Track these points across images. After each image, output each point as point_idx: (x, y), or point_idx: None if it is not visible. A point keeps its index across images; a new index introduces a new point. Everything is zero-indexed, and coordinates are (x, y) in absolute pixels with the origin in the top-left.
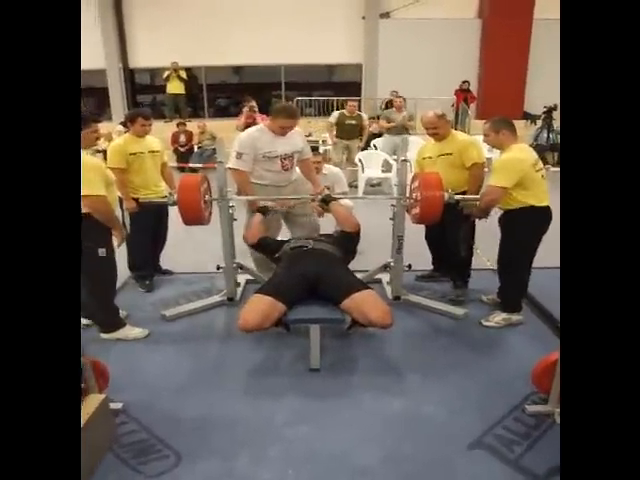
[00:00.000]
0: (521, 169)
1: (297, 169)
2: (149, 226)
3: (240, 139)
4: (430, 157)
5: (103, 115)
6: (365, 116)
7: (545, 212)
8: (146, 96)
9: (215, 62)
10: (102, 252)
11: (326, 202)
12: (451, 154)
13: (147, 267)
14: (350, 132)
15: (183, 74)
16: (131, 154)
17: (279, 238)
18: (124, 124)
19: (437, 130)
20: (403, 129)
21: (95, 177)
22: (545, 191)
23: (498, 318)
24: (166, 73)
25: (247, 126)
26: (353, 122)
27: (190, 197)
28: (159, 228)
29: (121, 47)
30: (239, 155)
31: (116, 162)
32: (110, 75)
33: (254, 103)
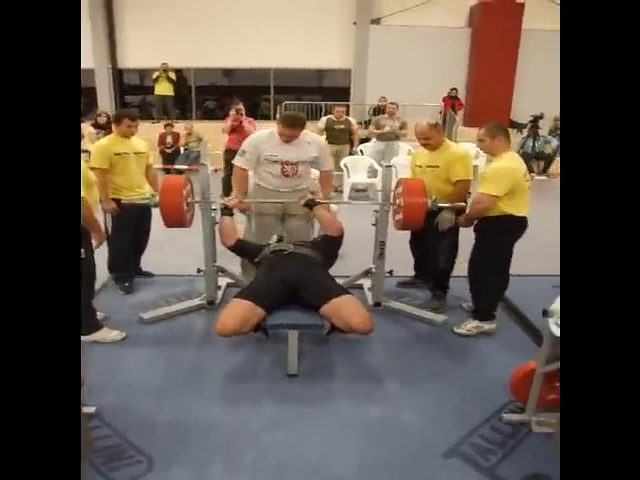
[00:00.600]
0: (514, 178)
1: (314, 180)
2: (130, 227)
3: (248, 138)
4: (420, 166)
5: (88, 115)
6: (354, 121)
7: (522, 222)
8: (135, 97)
9: (204, 64)
10: (81, 253)
11: (310, 206)
12: (438, 167)
13: (127, 268)
14: (339, 137)
15: (172, 75)
16: (116, 154)
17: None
18: (96, 126)
19: (429, 140)
20: (393, 136)
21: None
22: (525, 201)
23: (470, 326)
24: (155, 74)
25: (233, 129)
26: (342, 127)
27: (172, 199)
28: (140, 230)
29: (110, 47)
30: (243, 153)
31: (99, 162)
32: (99, 75)
33: (241, 106)
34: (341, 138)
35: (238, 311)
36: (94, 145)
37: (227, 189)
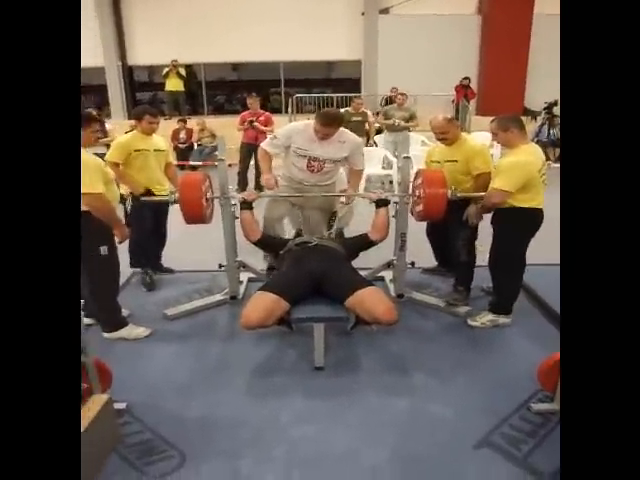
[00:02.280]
0: (528, 173)
1: (343, 179)
2: (148, 223)
3: (285, 126)
4: (438, 162)
5: (102, 113)
6: (370, 113)
7: (538, 215)
8: (145, 93)
9: (214, 59)
10: (104, 250)
11: (383, 205)
12: (457, 162)
13: (147, 264)
14: (355, 129)
15: (182, 71)
16: (135, 150)
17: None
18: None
19: (446, 135)
20: (402, 127)
21: (93, 175)
22: (541, 195)
23: (485, 319)
24: (165, 70)
25: (243, 122)
26: (359, 119)
27: (192, 195)
28: (158, 227)
29: (119, 44)
30: (273, 137)
31: (113, 156)
32: (109, 73)
33: (254, 100)
34: (358, 130)
35: (262, 304)
36: (115, 140)
37: (243, 184)
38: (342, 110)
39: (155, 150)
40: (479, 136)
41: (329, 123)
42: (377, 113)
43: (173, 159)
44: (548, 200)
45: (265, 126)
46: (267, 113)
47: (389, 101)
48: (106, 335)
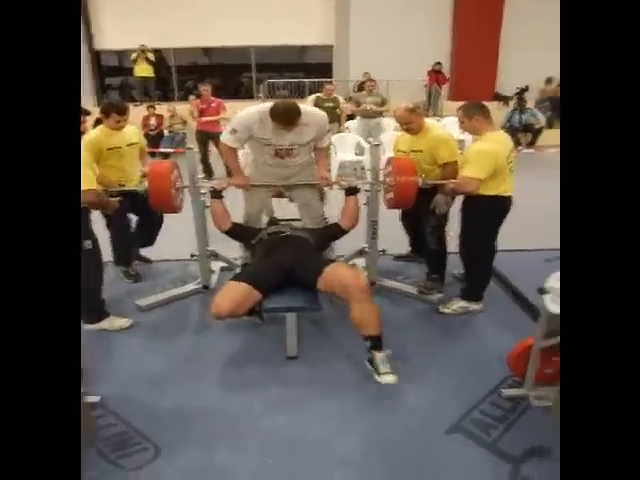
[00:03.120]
0: (495, 160)
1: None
2: (127, 220)
3: (239, 116)
4: (404, 151)
5: None
6: (341, 98)
7: (505, 201)
8: (114, 79)
9: (184, 44)
10: (88, 244)
11: (353, 193)
12: (422, 151)
13: (129, 260)
14: (328, 115)
15: (151, 56)
16: (108, 149)
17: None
18: None
19: (410, 125)
20: (375, 113)
21: (85, 171)
22: (509, 182)
23: (456, 306)
24: (133, 55)
25: (203, 112)
26: (330, 105)
27: (160, 185)
28: (148, 216)
29: (86, 28)
30: (233, 132)
31: (85, 157)
32: None
33: (208, 87)
34: (330, 116)
35: (233, 294)
36: (84, 138)
37: (206, 170)
38: (313, 96)
39: (128, 145)
40: (451, 122)
41: (288, 121)
42: (349, 98)
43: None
44: (518, 186)
45: (217, 114)
46: (218, 100)
47: (362, 87)
48: (87, 327)
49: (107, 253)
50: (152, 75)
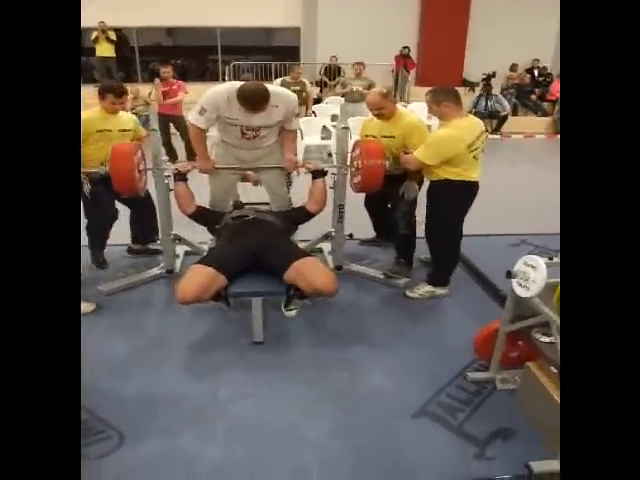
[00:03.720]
0: (452, 149)
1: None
2: (106, 207)
3: (207, 95)
4: (374, 136)
5: None
6: (308, 82)
7: (470, 186)
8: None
9: (146, 23)
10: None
11: (320, 176)
12: (394, 137)
13: (102, 247)
14: None
15: (112, 35)
16: (98, 131)
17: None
18: None
19: (382, 110)
20: (360, 96)
21: None
22: (474, 168)
23: (422, 290)
24: (94, 34)
25: (164, 94)
26: (297, 88)
27: (122, 167)
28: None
29: None
30: (202, 111)
31: None
32: None
33: (169, 69)
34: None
35: (198, 278)
36: None
37: (170, 153)
38: (279, 80)
39: (120, 130)
40: (417, 107)
41: (255, 107)
42: (318, 82)
43: None
44: (483, 172)
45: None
46: (179, 82)
47: (329, 70)
48: None
49: None
50: (113, 55)
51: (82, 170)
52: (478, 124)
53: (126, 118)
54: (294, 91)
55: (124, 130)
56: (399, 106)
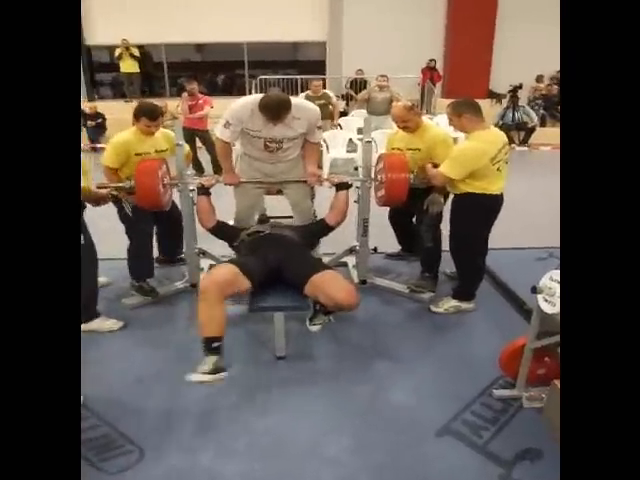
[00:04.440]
0: (476, 162)
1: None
2: (148, 229)
3: (231, 108)
4: (399, 149)
5: None
6: (333, 95)
7: (495, 200)
8: (106, 74)
9: (176, 39)
10: (81, 240)
11: (342, 188)
12: (419, 150)
13: (148, 274)
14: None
15: (135, 52)
16: (136, 154)
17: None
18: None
19: (407, 123)
20: (385, 109)
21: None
22: (498, 181)
23: (447, 305)
24: (117, 51)
25: (190, 108)
26: (322, 102)
27: (148, 182)
28: (167, 220)
29: None
30: (227, 124)
31: (113, 161)
32: None
33: (195, 85)
34: (322, 114)
35: (224, 271)
36: (113, 139)
37: (196, 167)
38: (302, 94)
39: (157, 152)
40: (444, 119)
41: (277, 116)
42: (344, 95)
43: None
44: (511, 184)
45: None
46: (206, 97)
47: (355, 84)
48: None
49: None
50: (137, 71)
51: (113, 185)
52: (501, 136)
53: (162, 137)
54: (319, 105)
55: (161, 150)
56: (425, 119)
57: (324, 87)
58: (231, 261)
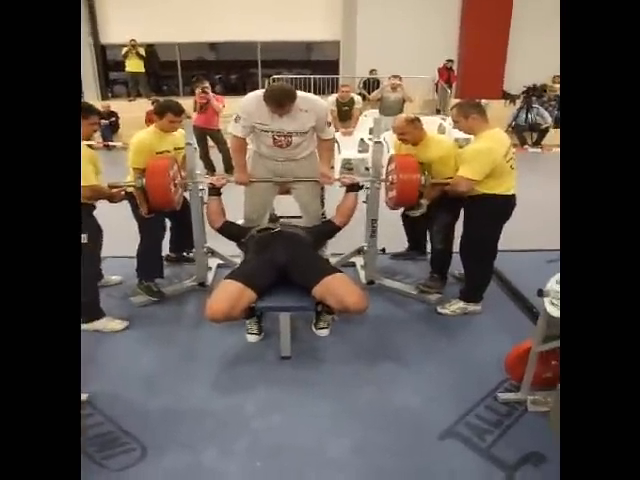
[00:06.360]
0: (493, 160)
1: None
2: (160, 230)
3: (241, 101)
4: None
5: None
6: (357, 99)
7: (508, 201)
8: (119, 73)
9: (189, 39)
10: (84, 238)
11: (354, 189)
12: (422, 163)
13: (156, 275)
14: (345, 117)
15: (142, 51)
16: (158, 153)
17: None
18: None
19: (404, 136)
20: (398, 110)
21: (86, 167)
22: (511, 179)
23: (454, 307)
24: (124, 50)
25: (201, 107)
26: (347, 108)
27: (158, 181)
28: (180, 219)
29: (91, 23)
30: (237, 118)
31: (139, 162)
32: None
33: (207, 84)
34: (346, 118)
35: (227, 295)
36: (133, 140)
37: (208, 166)
38: (332, 98)
39: (176, 149)
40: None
41: (280, 104)
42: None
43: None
44: (522, 185)
45: (213, 109)
46: (218, 96)
47: (368, 84)
48: (82, 327)
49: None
50: (142, 70)
51: (123, 184)
52: (505, 136)
53: (180, 136)
54: (345, 111)
55: (178, 148)
56: (431, 133)
57: (337, 88)
58: (233, 275)
